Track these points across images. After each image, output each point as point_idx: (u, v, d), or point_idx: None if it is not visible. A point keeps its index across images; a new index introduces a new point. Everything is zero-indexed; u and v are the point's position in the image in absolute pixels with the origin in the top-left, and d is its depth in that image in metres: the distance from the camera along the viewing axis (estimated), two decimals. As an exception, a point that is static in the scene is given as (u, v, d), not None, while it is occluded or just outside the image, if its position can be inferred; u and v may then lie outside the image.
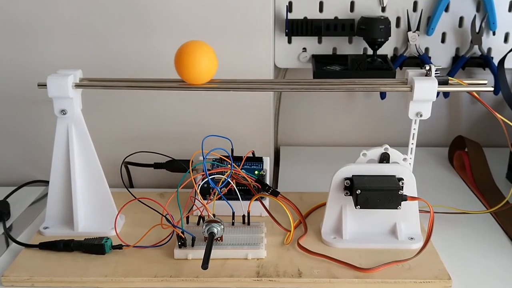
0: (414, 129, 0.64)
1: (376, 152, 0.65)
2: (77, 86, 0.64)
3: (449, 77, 0.63)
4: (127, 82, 0.66)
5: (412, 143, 0.65)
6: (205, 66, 0.61)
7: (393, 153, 0.65)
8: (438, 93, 0.94)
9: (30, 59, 0.80)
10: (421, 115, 0.62)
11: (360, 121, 1.03)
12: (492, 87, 0.63)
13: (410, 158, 0.65)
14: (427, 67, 0.62)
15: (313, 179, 0.86)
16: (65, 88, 0.62)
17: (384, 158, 0.65)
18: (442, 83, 0.62)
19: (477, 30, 0.89)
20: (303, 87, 0.66)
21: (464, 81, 0.63)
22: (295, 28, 0.89)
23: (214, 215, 0.63)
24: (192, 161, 0.67)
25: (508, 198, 0.68)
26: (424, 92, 0.61)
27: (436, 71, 0.62)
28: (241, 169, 0.67)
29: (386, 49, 0.91)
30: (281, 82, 0.63)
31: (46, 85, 0.62)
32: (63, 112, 0.64)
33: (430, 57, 0.92)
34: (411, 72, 0.63)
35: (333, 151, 1.00)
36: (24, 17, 0.78)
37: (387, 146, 0.65)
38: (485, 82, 0.62)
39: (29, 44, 0.80)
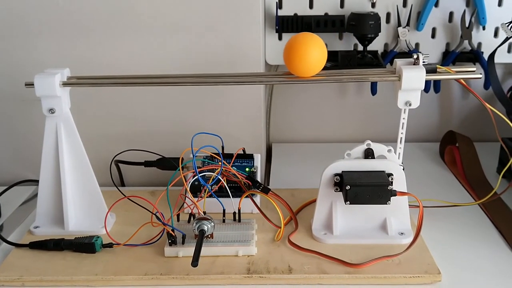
0: (404, 118, 0.64)
1: (360, 149, 0.65)
2: (65, 84, 0.64)
3: (437, 65, 0.63)
4: (114, 80, 0.65)
5: (401, 133, 0.65)
6: (316, 58, 0.61)
7: (377, 147, 0.65)
8: (429, 85, 0.95)
9: (19, 58, 0.80)
10: (410, 104, 0.62)
11: (352, 117, 1.03)
12: (481, 74, 0.63)
13: (400, 147, 0.65)
14: (415, 56, 0.62)
15: (305, 176, 0.86)
16: (53, 87, 0.62)
17: (369, 154, 0.65)
18: (430, 71, 0.62)
19: (467, 25, 0.90)
20: (292, 80, 0.66)
21: (452, 69, 0.63)
22: (285, 24, 0.89)
23: (204, 212, 0.64)
24: (183, 159, 0.66)
25: (496, 189, 0.69)
26: (412, 81, 0.61)
27: (424, 59, 0.62)
28: (231, 166, 0.67)
29: (377, 45, 0.91)
30: (269, 74, 0.63)
31: (33, 85, 0.62)
32: (52, 111, 0.64)
33: (420, 52, 0.92)
34: (399, 61, 0.63)
35: (325, 148, 1.00)
36: (14, 16, 0.78)
37: (369, 141, 0.65)
38: (474, 69, 0.63)
39: (18, 43, 0.79)
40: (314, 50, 0.61)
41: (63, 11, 0.78)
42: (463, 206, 0.73)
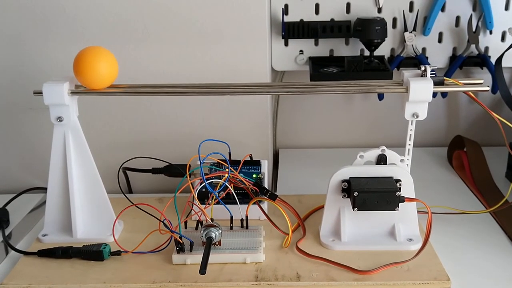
0: (411, 130, 0.64)
1: (373, 153, 0.65)
2: (73, 93, 0.64)
3: (445, 77, 0.63)
4: (122, 88, 0.66)
5: (409, 144, 0.65)
6: (105, 70, 0.63)
7: (390, 154, 0.65)
8: (435, 93, 0.95)
9: (26, 66, 0.80)
10: (417, 116, 0.62)
11: (359, 122, 1.03)
12: (488, 86, 0.63)
13: (408, 159, 0.65)
14: (423, 68, 0.62)
15: (312, 181, 0.86)
16: (61, 95, 0.62)
17: (381, 160, 0.65)
18: (437, 83, 0.62)
19: (473, 29, 0.89)
20: (298, 90, 0.66)
21: (459, 81, 0.62)
22: (291, 30, 0.89)
23: (212, 219, 0.64)
24: (190, 166, 0.67)
25: (507, 197, 0.68)
26: (420, 93, 0.61)
27: (431, 71, 0.62)
28: (239, 173, 0.67)
29: (383, 50, 0.91)
30: (276, 85, 0.63)
31: (42, 93, 0.62)
32: (60, 119, 0.64)
33: (427, 57, 0.92)
34: (407, 73, 0.63)
35: (333, 153, 1.00)
36: (23, 24, 0.79)
37: (384, 147, 0.65)
38: (481, 81, 0.62)
39: (25, 51, 0.80)
40: (95, 63, 0.62)
41: (71, 18, 0.78)
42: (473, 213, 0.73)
